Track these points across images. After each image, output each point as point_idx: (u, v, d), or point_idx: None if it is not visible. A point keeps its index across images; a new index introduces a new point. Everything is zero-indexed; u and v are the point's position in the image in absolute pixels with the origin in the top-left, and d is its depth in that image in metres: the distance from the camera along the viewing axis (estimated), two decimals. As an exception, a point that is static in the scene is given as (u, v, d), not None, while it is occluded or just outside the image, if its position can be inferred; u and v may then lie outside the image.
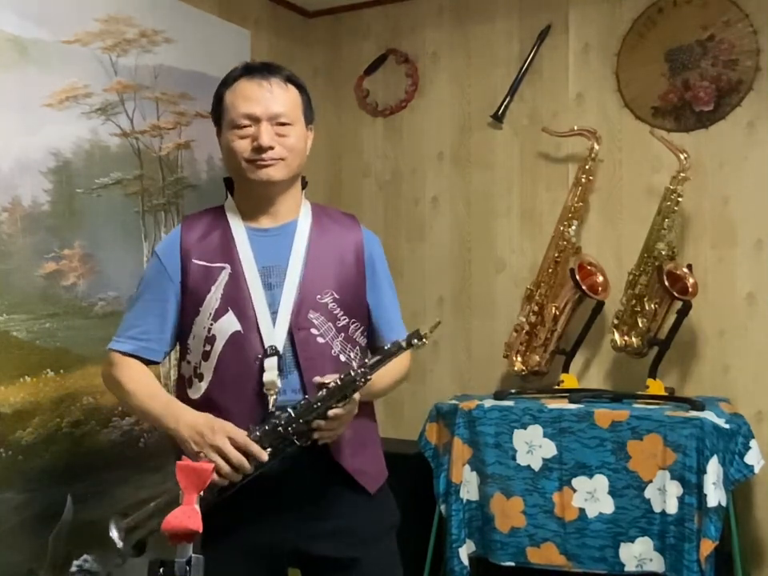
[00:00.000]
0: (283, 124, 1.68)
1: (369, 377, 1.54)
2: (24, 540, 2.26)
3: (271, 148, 1.66)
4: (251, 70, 1.71)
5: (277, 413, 1.57)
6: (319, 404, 1.53)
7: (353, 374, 1.53)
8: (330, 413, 1.54)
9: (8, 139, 2.27)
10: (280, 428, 1.54)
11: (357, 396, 1.58)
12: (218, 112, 1.73)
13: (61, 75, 2.42)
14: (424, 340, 1.51)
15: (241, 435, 1.53)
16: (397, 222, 3.47)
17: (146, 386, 1.69)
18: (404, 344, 1.51)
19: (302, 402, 1.56)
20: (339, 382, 1.54)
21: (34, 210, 2.35)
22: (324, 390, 1.54)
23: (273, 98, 1.68)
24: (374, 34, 3.51)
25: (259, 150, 1.65)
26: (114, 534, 1.55)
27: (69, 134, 2.44)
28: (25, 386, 2.30)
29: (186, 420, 1.58)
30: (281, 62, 1.80)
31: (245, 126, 1.67)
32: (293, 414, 1.54)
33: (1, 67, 2.25)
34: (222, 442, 1.52)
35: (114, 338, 1.74)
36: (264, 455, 1.53)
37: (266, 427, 1.55)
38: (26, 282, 2.32)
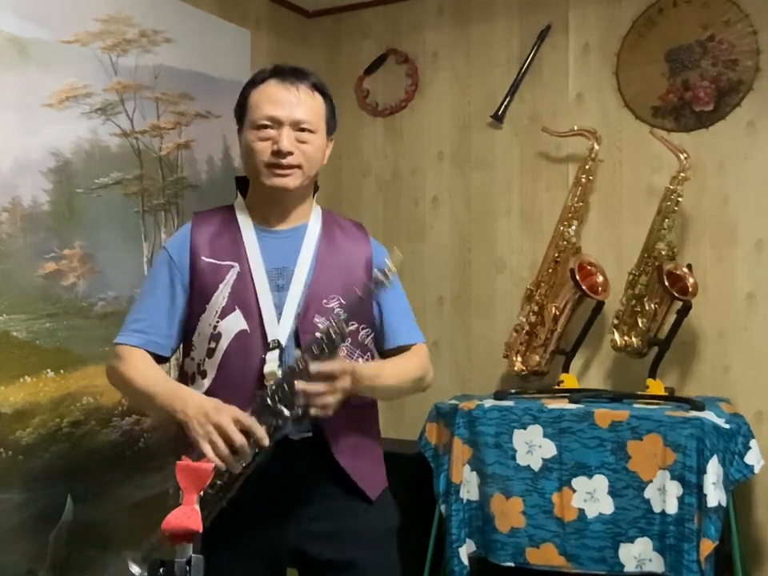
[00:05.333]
0: (304, 130, 1.68)
1: (343, 327, 1.52)
2: (24, 540, 2.26)
3: (290, 153, 1.66)
4: (280, 73, 1.71)
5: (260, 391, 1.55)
6: (300, 363, 1.52)
7: (326, 324, 1.52)
8: (312, 368, 1.51)
9: (8, 139, 2.27)
10: (268, 399, 1.52)
11: (342, 357, 1.59)
12: (242, 110, 1.73)
13: (61, 75, 2.42)
14: (389, 277, 1.52)
15: (246, 417, 1.51)
16: (397, 222, 3.47)
17: (151, 372, 1.67)
18: (371, 286, 1.54)
19: (286, 370, 1.55)
20: (316, 336, 1.53)
21: (34, 210, 2.35)
22: (302, 348, 1.54)
23: (298, 104, 1.68)
24: (374, 34, 3.51)
25: (278, 154, 1.65)
26: (135, 570, 1.54)
27: (69, 134, 2.45)
28: (25, 386, 2.30)
29: (194, 401, 1.56)
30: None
31: (266, 128, 1.67)
32: (276, 383, 1.53)
33: (1, 67, 2.25)
34: (225, 420, 1.49)
35: (120, 332, 1.72)
36: (266, 439, 1.50)
37: (254, 406, 1.53)
38: (25, 282, 2.32)
